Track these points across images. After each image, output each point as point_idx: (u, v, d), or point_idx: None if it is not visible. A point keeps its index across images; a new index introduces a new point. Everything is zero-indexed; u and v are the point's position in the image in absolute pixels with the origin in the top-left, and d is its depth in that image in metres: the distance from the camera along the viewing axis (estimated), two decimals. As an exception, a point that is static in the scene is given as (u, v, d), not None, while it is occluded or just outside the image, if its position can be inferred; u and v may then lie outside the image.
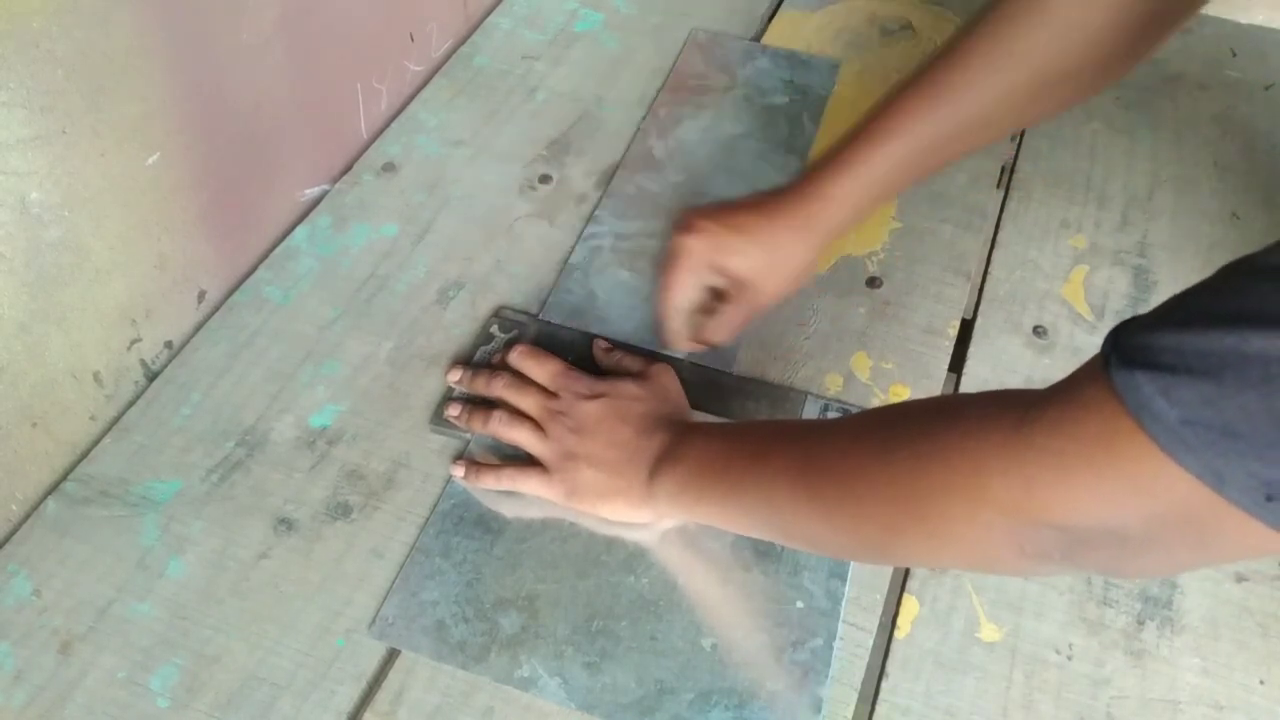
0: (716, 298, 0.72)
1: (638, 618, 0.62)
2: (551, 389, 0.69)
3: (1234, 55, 1.02)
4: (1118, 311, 0.80)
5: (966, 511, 0.46)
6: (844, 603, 0.63)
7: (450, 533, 0.66)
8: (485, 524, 0.66)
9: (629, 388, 0.69)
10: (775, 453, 0.58)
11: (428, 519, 0.66)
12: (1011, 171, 0.91)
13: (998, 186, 0.90)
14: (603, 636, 0.61)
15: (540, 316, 0.77)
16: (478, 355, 0.75)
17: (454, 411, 0.71)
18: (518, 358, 0.71)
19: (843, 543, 0.57)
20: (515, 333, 0.76)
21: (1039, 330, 0.78)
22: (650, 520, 0.65)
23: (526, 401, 0.69)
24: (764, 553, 0.65)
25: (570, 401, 0.68)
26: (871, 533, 0.53)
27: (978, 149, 0.71)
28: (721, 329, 0.72)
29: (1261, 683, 0.61)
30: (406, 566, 0.64)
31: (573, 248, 0.83)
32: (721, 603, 0.63)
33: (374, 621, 0.62)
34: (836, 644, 0.61)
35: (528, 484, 0.66)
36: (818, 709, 0.59)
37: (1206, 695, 0.60)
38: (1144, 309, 0.79)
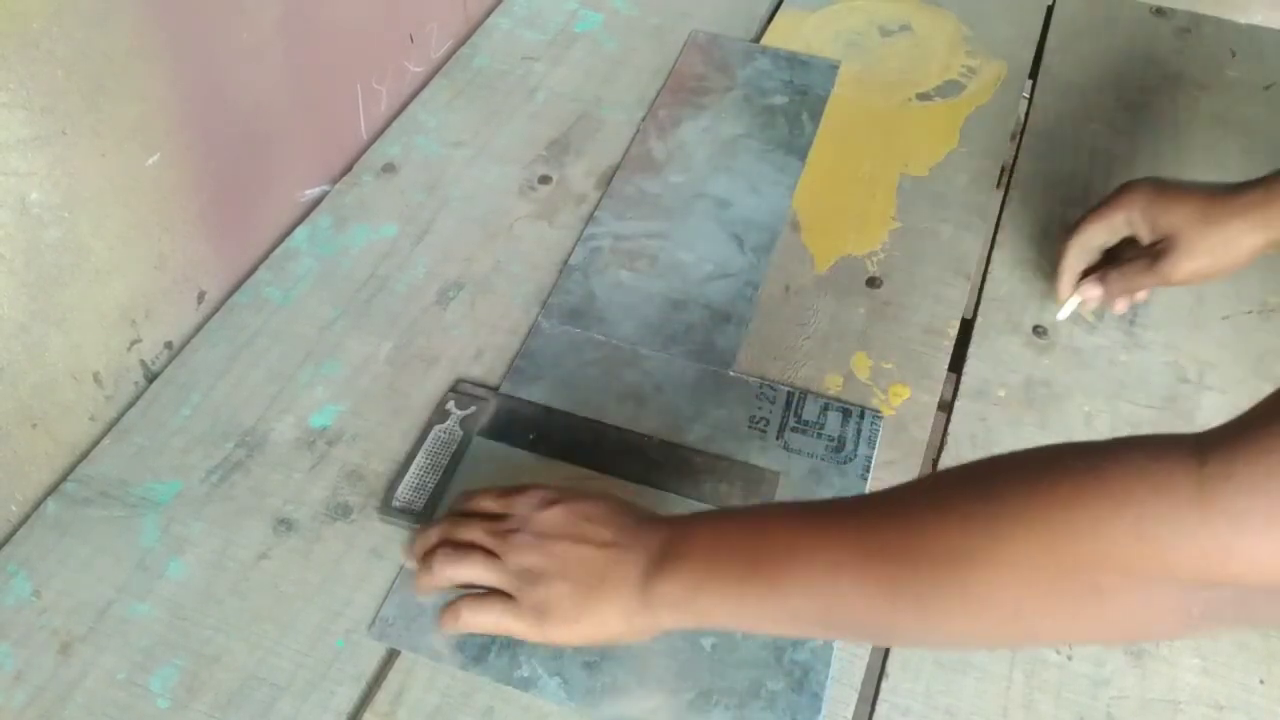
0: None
1: None
2: (497, 510, 0.59)
3: (1234, 55, 1.02)
4: (1117, 311, 0.80)
5: (1129, 584, 0.42)
6: None
7: None
8: None
9: (587, 492, 0.59)
10: (823, 541, 0.50)
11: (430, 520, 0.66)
12: (1011, 171, 0.91)
13: (998, 186, 0.90)
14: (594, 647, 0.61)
15: (501, 389, 0.73)
16: (432, 434, 0.69)
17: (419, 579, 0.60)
18: (453, 503, 0.62)
19: (939, 633, 0.49)
20: (473, 409, 0.71)
21: (1039, 330, 0.78)
22: (645, 635, 0.55)
23: (470, 532, 0.58)
24: None
25: (522, 516, 0.58)
26: (989, 624, 0.46)
27: None
28: (1121, 283, 0.71)
29: (1261, 682, 0.61)
30: (406, 567, 0.64)
31: (572, 249, 0.83)
32: None
33: (374, 622, 0.62)
34: (836, 644, 0.61)
35: (487, 617, 0.57)
36: (818, 709, 0.59)
37: (1206, 695, 0.60)
38: (1143, 308, 0.80)
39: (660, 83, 0.97)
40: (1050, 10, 1.07)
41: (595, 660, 0.60)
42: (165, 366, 0.75)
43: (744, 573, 0.51)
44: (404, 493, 0.67)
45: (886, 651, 0.62)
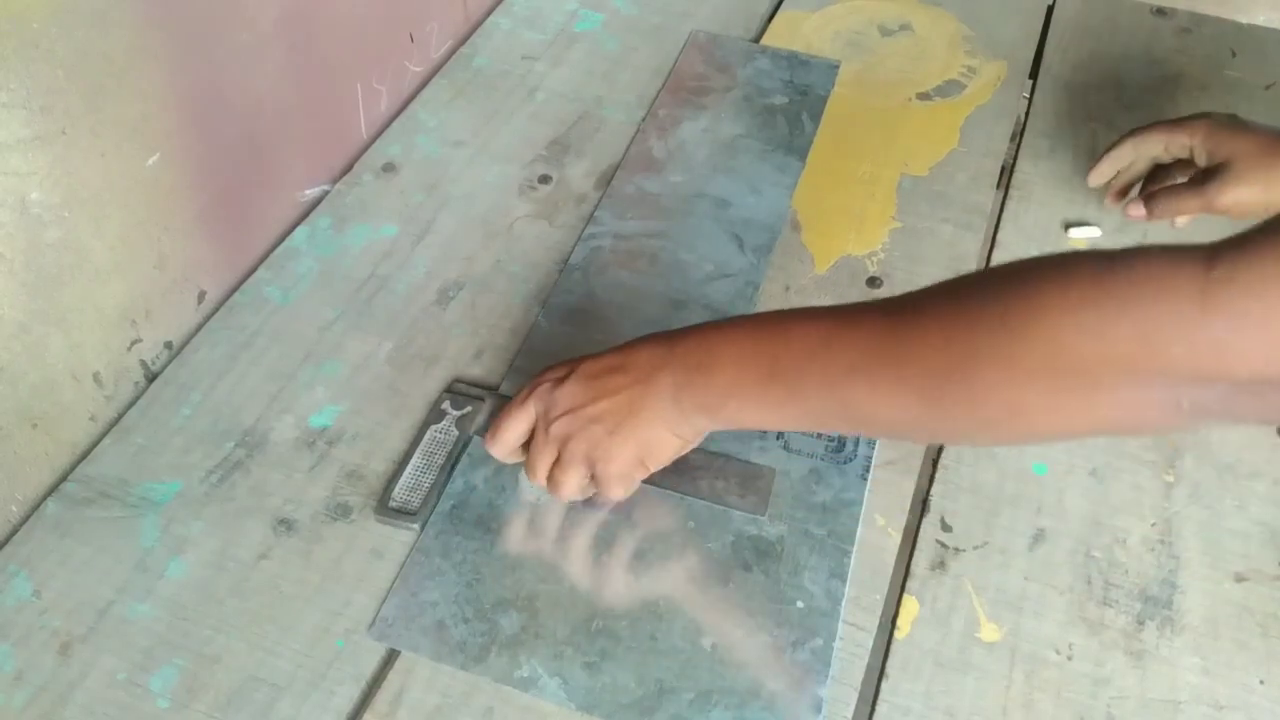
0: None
1: (638, 618, 0.62)
2: (528, 424, 0.63)
3: (1234, 55, 1.02)
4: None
5: (1129, 380, 0.44)
6: (844, 603, 0.63)
7: (450, 533, 0.66)
8: (485, 524, 0.66)
9: (589, 357, 0.63)
10: (840, 345, 0.53)
11: (428, 519, 0.66)
12: (1011, 171, 0.91)
13: (998, 186, 0.90)
14: (603, 636, 0.61)
15: (500, 389, 0.73)
16: (428, 435, 0.70)
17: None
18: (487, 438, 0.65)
19: (945, 427, 0.54)
20: (469, 409, 0.71)
21: (1039, 330, 0.78)
22: (696, 440, 0.62)
23: (539, 447, 0.63)
24: (764, 552, 0.65)
25: (544, 409, 0.62)
26: (992, 412, 0.49)
27: None
28: (1168, 203, 0.73)
29: (1261, 682, 0.61)
30: (406, 567, 0.64)
31: (572, 248, 0.83)
32: (721, 603, 0.63)
33: (373, 622, 0.62)
34: (836, 644, 0.61)
35: (570, 484, 0.62)
36: (818, 709, 0.59)
37: (1206, 695, 0.60)
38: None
39: (660, 83, 0.97)
40: (1050, 10, 1.07)
41: (595, 660, 0.60)
42: (165, 366, 0.75)
43: (767, 380, 0.55)
44: (399, 493, 0.67)
45: (886, 651, 0.62)
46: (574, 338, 0.76)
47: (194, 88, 0.71)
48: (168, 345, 0.76)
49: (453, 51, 1.00)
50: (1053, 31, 1.05)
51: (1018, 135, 0.94)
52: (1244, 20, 1.05)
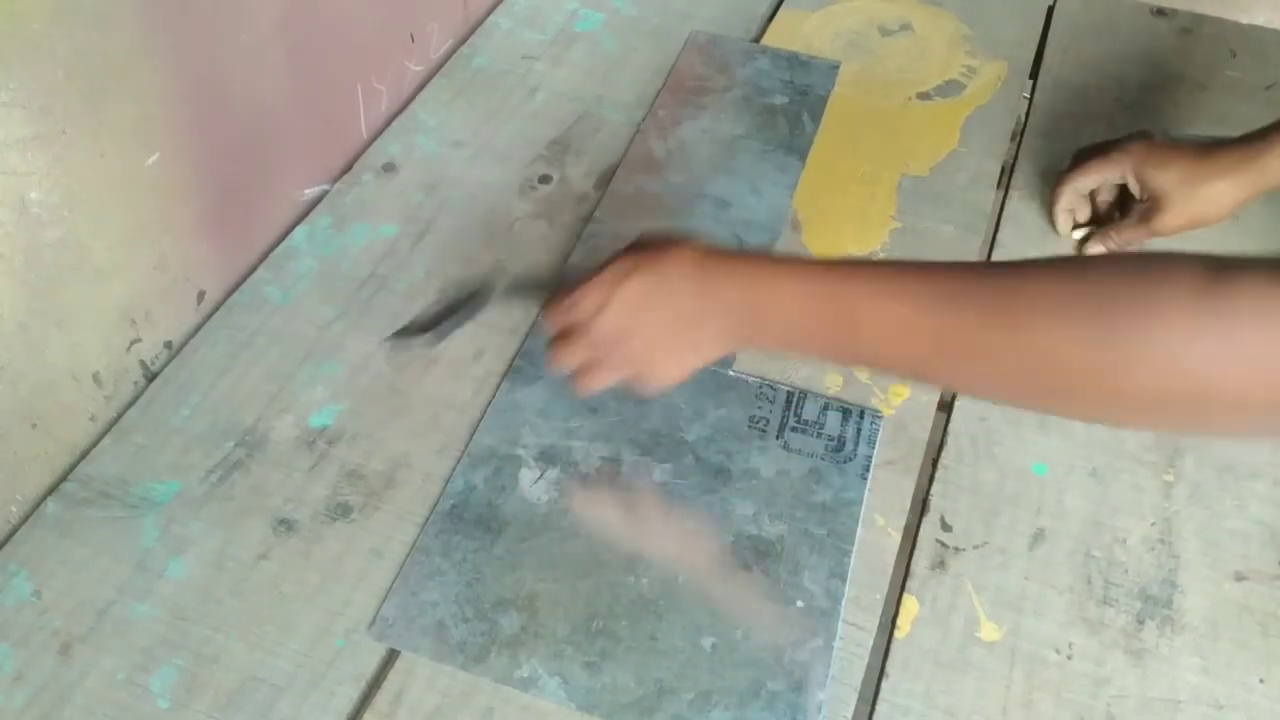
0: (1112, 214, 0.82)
1: (638, 617, 0.62)
2: (568, 328, 0.63)
3: (1234, 56, 1.02)
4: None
5: (1239, 408, 0.47)
6: (844, 602, 0.63)
7: (450, 532, 0.66)
8: (485, 524, 0.66)
9: (622, 268, 0.60)
10: (920, 335, 0.53)
11: (427, 518, 0.66)
12: (1011, 171, 0.91)
13: (998, 186, 0.90)
14: (603, 636, 0.61)
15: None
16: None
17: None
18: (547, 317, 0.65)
19: (1039, 408, 0.62)
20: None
21: (1039, 330, 0.78)
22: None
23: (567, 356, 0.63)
24: (764, 552, 0.65)
25: (585, 327, 0.61)
26: (1015, 390, 0.53)
27: None
28: (1119, 236, 0.80)
29: (1261, 681, 0.61)
30: (406, 566, 0.64)
31: (573, 248, 0.83)
32: (721, 602, 0.63)
33: (373, 622, 0.62)
34: (836, 644, 0.61)
35: (601, 384, 0.63)
36: (818, 709, 0.59)
37: (1206, 694, 0.60)
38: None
39: (660, 83, 0.97)
40: (1050, 10, 1.07)
41: (595, 660, 0.60)
42: (165, 366, 0.75)
43: (829, 335, 0.56)
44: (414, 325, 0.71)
45: (886, 652, 0.62)
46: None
47: (194, 88, 0.71)
48: (167, 345, 0.76)
49: (453, 51, 1.00)
50: (1053, 31, 1.05)
51: (1018, 135, 0.94)
52: (1244, 20, 1.05)
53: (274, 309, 0.78)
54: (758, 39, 1.03)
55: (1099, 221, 0.84)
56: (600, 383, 0.63)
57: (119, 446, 0.70)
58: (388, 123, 0.93)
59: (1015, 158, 0.92)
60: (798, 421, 0.72)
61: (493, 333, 0.77)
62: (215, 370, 0.74)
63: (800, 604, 0.63)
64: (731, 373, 0.74)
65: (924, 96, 0.97)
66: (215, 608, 0.63)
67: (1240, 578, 0.65)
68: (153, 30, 0.66)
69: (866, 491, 0.68)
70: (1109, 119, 0.95)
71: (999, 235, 0.85)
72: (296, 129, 0.83)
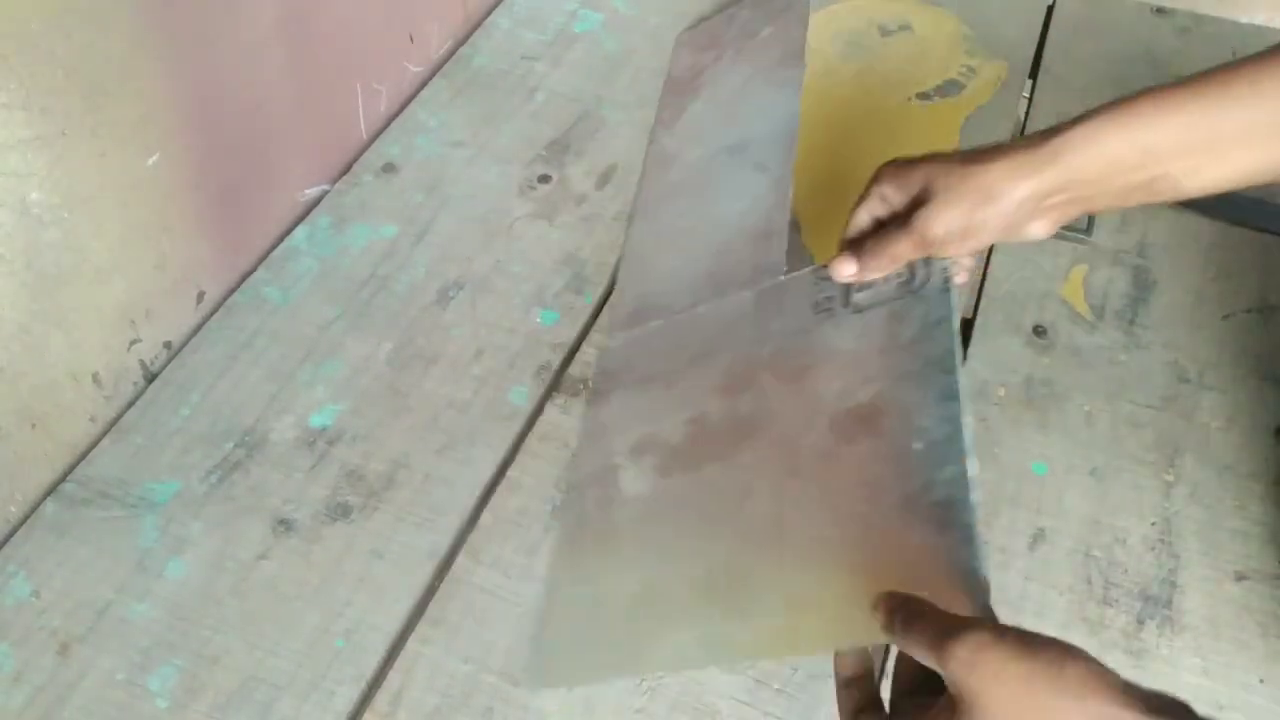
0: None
1: (760, 544, 0.56)
2: None
3: (1234, 55, 1.01)
4: (1117, 311, 0.80)
5: None
6: (965, 420, 0.53)
7: (572, 562, 0.63)
8: (604, 543, 0.62)
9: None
10: None
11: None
12: (1011, 171, 0.91)
13: (997, 186, 0.90)
14: (734, 582, 0.55)
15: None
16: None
17: None
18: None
19: None
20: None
21: (1039, 330, 0.78)
22: None
23: None
24: (864, 418, 0.57)
25: None
26: None
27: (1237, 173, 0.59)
28: (882, 250, 0.60)
29: (1261, 682, 0.61)
30: (544, 606, 0.61)
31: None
32: (841, 495, 0.55)
33: (529, 671, 0.59)
34: (971, 466, 0.51)
35: None
36: (969, 540, 0.50)
37: (1206, 695, 0.60)
38: (1143, 308, 0.80)
39: (660, 82, 0.97)
40: (1050, 10, 1.07)
41: (736, 608, 0.55)
42: (164, 366, 0.75)
43: None
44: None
45: (886, 651, 0.62)
46: (640, 334, 0.73)
47: (194, 88, 0.71)
48: (167, 345, 0.76)
49: (452, 52, 1.00)
50: (1053, 31, 1.05)
51: (1017, 135, 0.94)
52: (1244, 20, 1.05)
53: (274, 309, 0.78)
54: (758, 39, 1.03)
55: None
56: None
57: (118, 447, 0.70)
58: (387, 123, 0.93)
59: (1015, 158, 0.92)
60: (860, 290, 0.63)
61: (492, 332, 0.77)
62: (215, 370, 0.74)
63: (919, 444, 0.54)
64: (782, 278, 0.68)
65: (924, 96, 0.97)
66: (215, 608, 0.63)
67: (1240, 578, 0.65)
68: (153, 30, 0.66)
69: (953, 300, 0.59)
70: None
71: (999, 235, 0.85)
72: (296, 129, 0.83)
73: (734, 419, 0.63)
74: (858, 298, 0.63)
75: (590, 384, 0.73)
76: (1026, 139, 0.59)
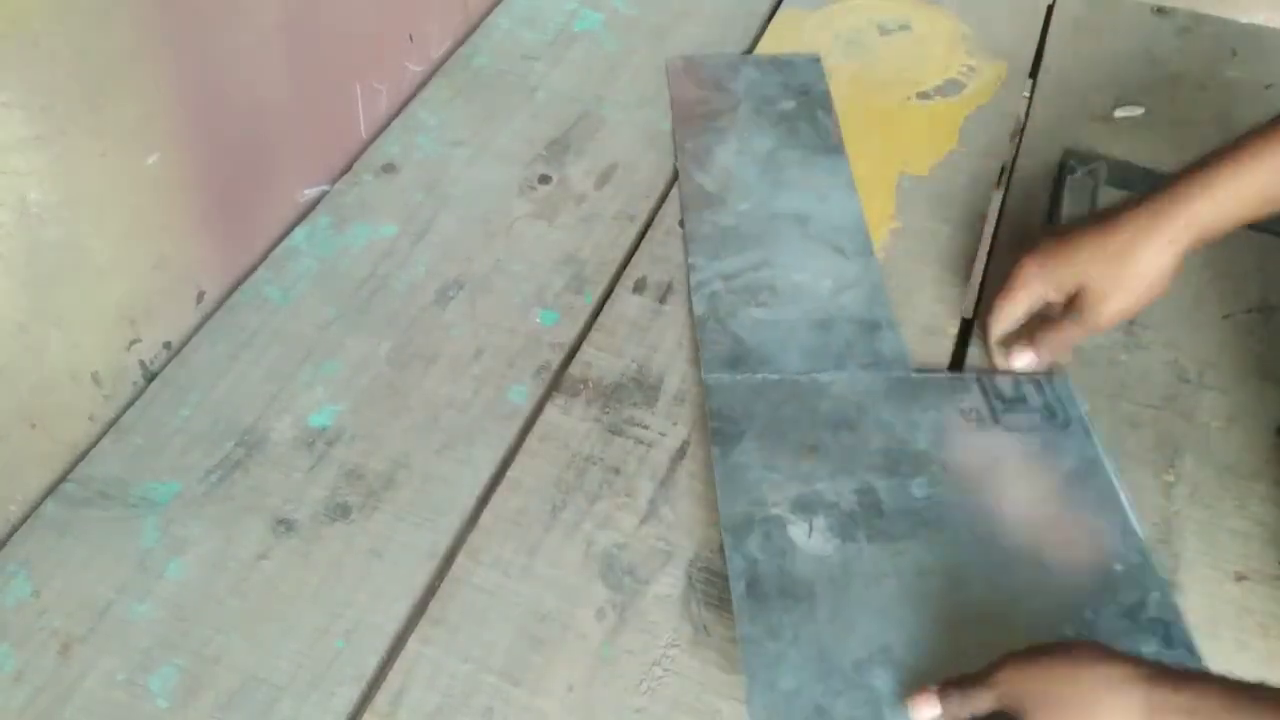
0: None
1: (991, 630, 0.60)
2: None
3: (1234, 55, 1.01)
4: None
5: None
6: (1146, 544, 0.64)
7: (761, 612, 0.61)
8: (790, 592, 0.62)
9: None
10: None
11: (733, 602, 0.62)
12: (1011, 171, 0.91)
13: (997, 186, 0.90)
14: (981, 659, 0.56)
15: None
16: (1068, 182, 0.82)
17: None
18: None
19: None
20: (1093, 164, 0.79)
21: (1039, 330, 0.78)
22: None
23: None
24: (1050, 528, 0.65)
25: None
26: None
27: None
28: (1054, 342, 0.70)
29: (1262, 683, 0.61)
30: (747, 664, 0.59)
31: (689, 301, 0.81)
32: (1059, 594, 0.62)
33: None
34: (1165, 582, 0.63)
35: None
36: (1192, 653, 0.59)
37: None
38: (1144, 309, 0.79)
39: (660, 81, 0.97)
40: (1050, 10, 1.07)
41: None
42: (164, 366, 0.75)
43: None
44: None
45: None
46: (751, 383, 0.73)
47: (194, 88, 0.71)
48: (167, 345, 0.76)
49: (452, 51, 1.00)
50: (1053, 31, 1.05)
51: (1018, 135, 0.94)
52: (1244, 19, 1.05)
53: (274, 309, 0.78)
54: (757, 38, 1.03)
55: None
56: None
57: (118, 446, 0.70)
58: (387, 123, 0.93)
59: (1015, 158, 0.92)
60: (1001, 401, 0.71)
61: (492, 332, 0.77)
62: (215, 370, 0.74)
63: (1119, 566, 0.63)
64: (914, 375, 0.74)
65: (923, 96, 0.97)
66: (215, 608, 0.63)
67: (1240, 578, 0.65)
68: (153, 30, 0.66)
69: (1100, 447, 0.69)
70: (1108, 119, 0.95)
71: (999, 235, 0.85)
72: (296, 129, 0.83)
73: (909, 501, 0.67)
74: (1007, 419, 0.71)
75: (711, 423, 0.71)
76: (1148, 205, 0.65)
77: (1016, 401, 0.72)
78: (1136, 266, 0.65)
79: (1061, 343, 0.71)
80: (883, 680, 0.59)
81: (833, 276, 0.81)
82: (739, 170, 0.89)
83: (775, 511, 0.66)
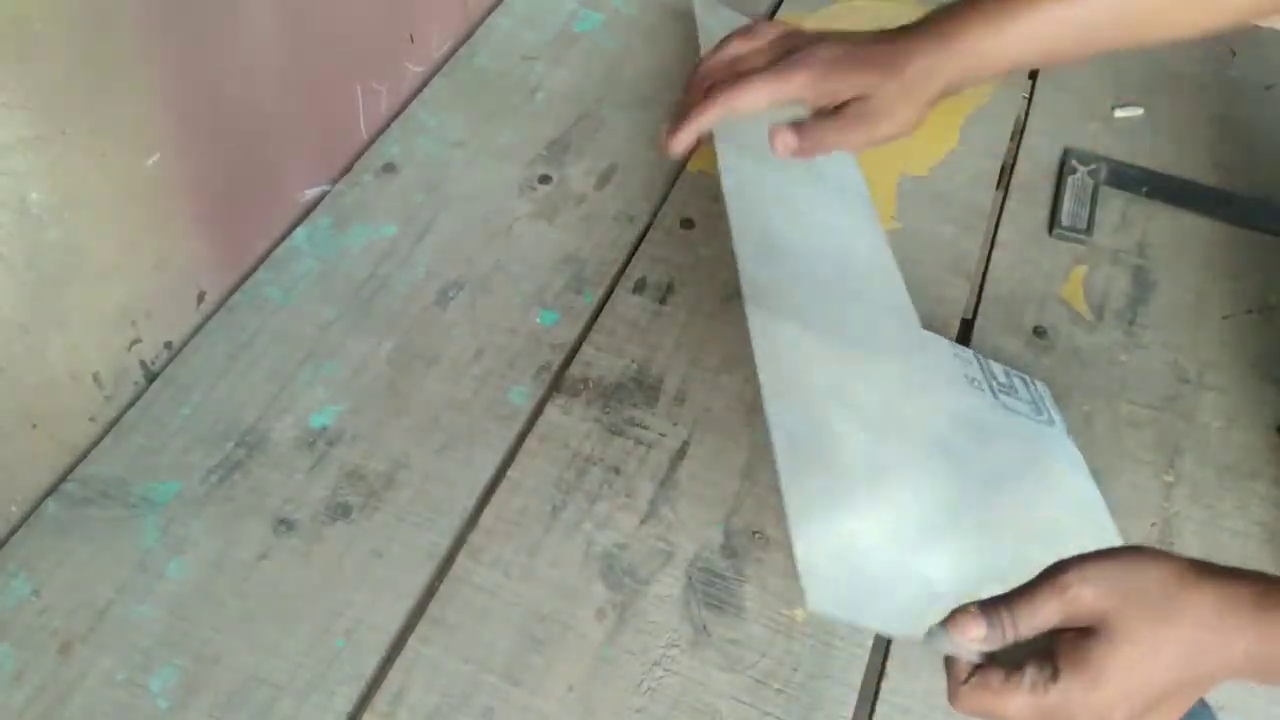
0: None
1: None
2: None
3: (1234, 55, 1.02)
4: (1117, 311, 0.80)
5: None
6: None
7: (802, 471, 0.57)
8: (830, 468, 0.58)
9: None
10: None
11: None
12: (1011, 171, 0.91)
13: (997, 186, 0.90)
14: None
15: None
16: (1069, 182, 0.83)
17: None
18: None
19: None
20: (1092, 165, 0.80)
21: (1039, 330, 0.78)
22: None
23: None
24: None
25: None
26: None
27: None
28: (817, 138, 0.61)
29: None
30: (788, 500, 0.55)
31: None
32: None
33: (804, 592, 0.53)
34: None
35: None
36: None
37: (1206, 696, 0.60)
38: (1143, 308, 0.80)
39: (660, 81, 0.97)
40: (1050, 10, 1.07)
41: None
42: (165, 366, 0.75)
43: None
44: (1065, 218, 0.76)
45: (886, 651, 0.62)
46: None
47: (194, 88, 0.71)
48: (168, 345, 0.76)
49: (453, 51, 1.00)
50: (1053, 31, 1.04)
51: (1018, 135, 0.94)
52: (1244, 20, 1.05)
53: (274, 309, 0.79)
54: (758, 39, 1.03)
55: None
56: None
57: (119, 447, 0.70)
58: (388, 123, 0.93)
59: (1015, 157, 0.92)
60: (997, 384, 0.71)
61: (492, 332, 0.77)
62: (215, 370, 0.75)
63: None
64: (926, 331, 0.73)
65: (924, 96, 0.97)
66: (215, 608, 0.63)
67: (1240, 578, 0.65)
68: (152, 30, 0.66)
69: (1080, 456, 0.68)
70: (1107, 119, 0.95)
71: (999, 235, 0.85)
72: (296, 129, 0.83)
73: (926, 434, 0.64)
74: (1004, 399, 0.70)
75: (743, 289, 0.66)
76: (945, 36, 0.61)
77: (1009, 388, 0.71)
78: (926, 94, 0.61)
79: (832, 143, 0.62)
80: (931, 565, 0.56)
81: (843, 238, 0.77)
82: (786, 213, 0.82)
83: (819, 398, 0.61)
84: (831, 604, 0.52)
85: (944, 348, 0.73)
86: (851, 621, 0.56)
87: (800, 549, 0.53)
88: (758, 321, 0.65)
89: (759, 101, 0.60)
